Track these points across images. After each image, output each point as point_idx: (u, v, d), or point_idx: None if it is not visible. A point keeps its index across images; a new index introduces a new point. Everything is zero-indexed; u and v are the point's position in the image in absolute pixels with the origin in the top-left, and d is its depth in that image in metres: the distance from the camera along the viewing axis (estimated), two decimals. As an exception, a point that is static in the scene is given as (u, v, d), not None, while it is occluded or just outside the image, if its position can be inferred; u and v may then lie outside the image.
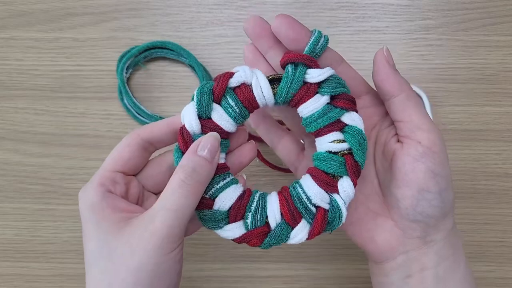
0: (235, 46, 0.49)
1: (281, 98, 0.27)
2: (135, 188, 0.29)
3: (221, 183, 0.27)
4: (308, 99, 0.27)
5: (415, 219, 0.28)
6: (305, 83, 0.27)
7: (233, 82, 0.27)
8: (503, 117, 0.48)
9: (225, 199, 0.27)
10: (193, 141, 0.27)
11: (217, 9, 0.50)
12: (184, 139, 0.27)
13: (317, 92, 0.28)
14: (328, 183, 0.27)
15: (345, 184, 0.27)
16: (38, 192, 0.48)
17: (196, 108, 0.27)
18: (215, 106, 0.27)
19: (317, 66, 0.28)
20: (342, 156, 0.27)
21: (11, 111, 0.49)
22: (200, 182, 0.26)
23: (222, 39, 0.49)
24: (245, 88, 0.27)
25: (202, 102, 0.27)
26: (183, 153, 0.27)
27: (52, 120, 0.48)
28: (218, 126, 0.28)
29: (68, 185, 0.47)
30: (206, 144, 0.26)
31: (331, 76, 0.28)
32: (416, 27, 0.49)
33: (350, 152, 0.27)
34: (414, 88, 0.48)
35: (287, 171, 0.47)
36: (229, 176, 0.28)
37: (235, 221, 0.27)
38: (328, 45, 0.29)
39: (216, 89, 0.27)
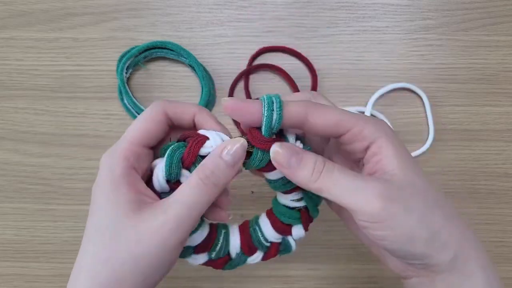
0: (235, 46, 0.49)
1: (251, 167, 0.28)
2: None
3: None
4: (275, 169, 0.28)
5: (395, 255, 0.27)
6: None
7: (204, 151, 0.27)
8: (503, 117, 0.48)
9: (194, 240, 0.30)
10: (160, 197, 0.27)
11: (217, 9, 0.50)
12: (154, 191, 0.27)
13: None
14: (284, 230, 0.31)
15: (298, 231, 0.32)
16: (38, 192, 0.48)
17: (165, 173, 0.27)
18: (184, 172, 0.27)
19: (281, 140, 0.27)
20: (298, 211, 0.31)
21: (11, 111, 0.49)
22: (216, 185, 0.26)
23: (222, 39, 0.49)
24: None
25: (171, 170, 0.26)
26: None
27: (52, 120, 0.48)
28: None
29: (68, 185, 0.47)
30: (231, 149, 0.26)
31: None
32: (416, 27, 0.49)
33: (305, 207, 0.31)
34: (414, 88, 0.48)
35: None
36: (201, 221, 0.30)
37: (201, 253, 0.31)
38: (282, 109, 0.26)
39: (187, 158, 0.27)
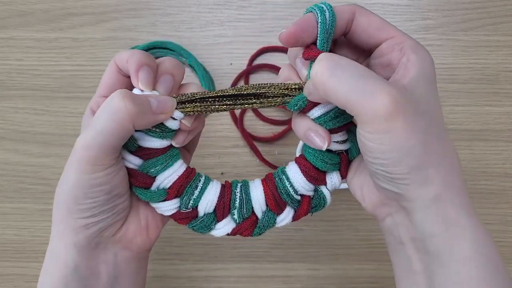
0: (235, 46, 0.49)
1: (295, 107, 0.26)
2: None
3: (197, 192, 0.28)
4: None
5: (371, 169, 0.25)
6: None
7: None
8: (503, 117, 0.48)
9: (207, 204, 0.28)
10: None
11: (217, 9, 0.50)
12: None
13: None
14: (317, 178, 0.28)
15: (334, 179, 0.28)
16: (38, 192, 0.48)
17: (127, 147, 0.26)
18: (137, 134, 0.26)
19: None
20: (338, 155, 0.28)
21: (11, 111, 0.49)
22: (129, 114, 0.24)
23: (222, 39, 0.49)
24: None
25: (127, 144, 0.26)
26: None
27: (52, 120, 0.48)
28: (151, 149, 0.27)
29: (68, 185, 0.47)
30: (159, 98, 0.26)
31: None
32: (416, 27, 0.49)
33: (346, 151, 0.28)
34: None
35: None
36: (200, 180, 0.28)
37: (223, 218, 0.28)
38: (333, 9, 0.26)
39: None
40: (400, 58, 0.25)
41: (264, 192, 0.28)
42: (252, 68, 0.49)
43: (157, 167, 0.27)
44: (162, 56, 0.48)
